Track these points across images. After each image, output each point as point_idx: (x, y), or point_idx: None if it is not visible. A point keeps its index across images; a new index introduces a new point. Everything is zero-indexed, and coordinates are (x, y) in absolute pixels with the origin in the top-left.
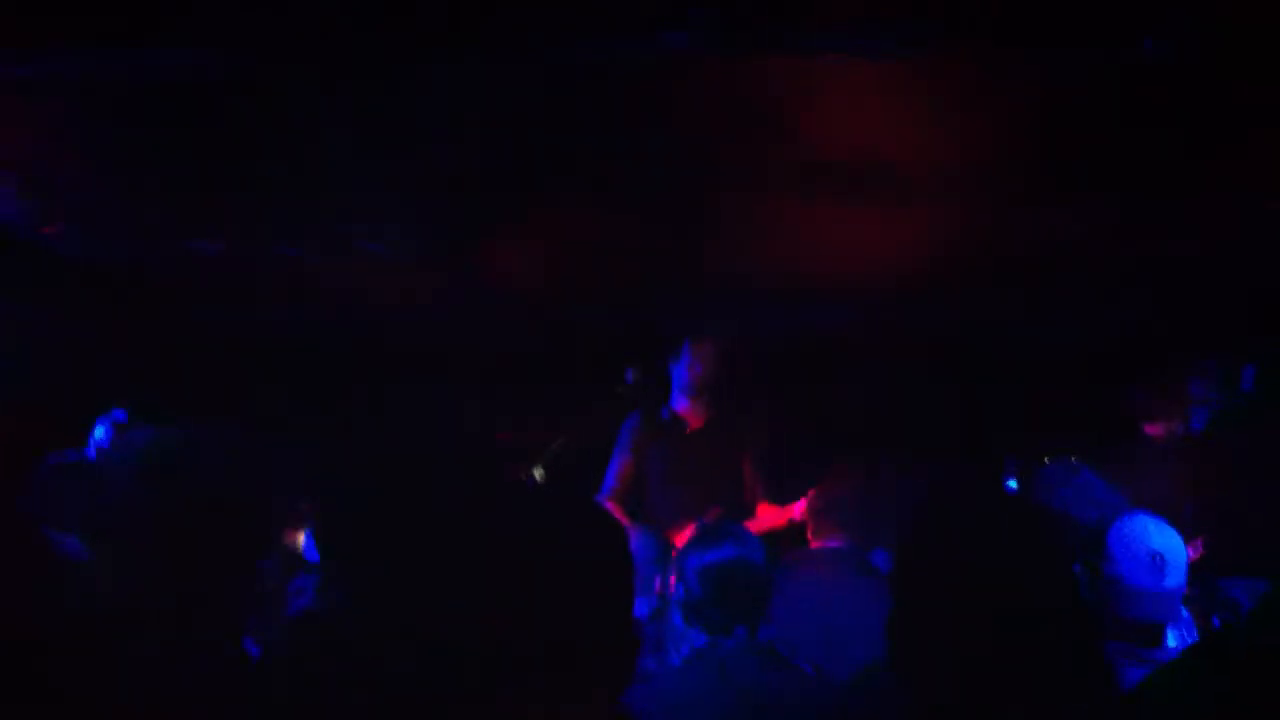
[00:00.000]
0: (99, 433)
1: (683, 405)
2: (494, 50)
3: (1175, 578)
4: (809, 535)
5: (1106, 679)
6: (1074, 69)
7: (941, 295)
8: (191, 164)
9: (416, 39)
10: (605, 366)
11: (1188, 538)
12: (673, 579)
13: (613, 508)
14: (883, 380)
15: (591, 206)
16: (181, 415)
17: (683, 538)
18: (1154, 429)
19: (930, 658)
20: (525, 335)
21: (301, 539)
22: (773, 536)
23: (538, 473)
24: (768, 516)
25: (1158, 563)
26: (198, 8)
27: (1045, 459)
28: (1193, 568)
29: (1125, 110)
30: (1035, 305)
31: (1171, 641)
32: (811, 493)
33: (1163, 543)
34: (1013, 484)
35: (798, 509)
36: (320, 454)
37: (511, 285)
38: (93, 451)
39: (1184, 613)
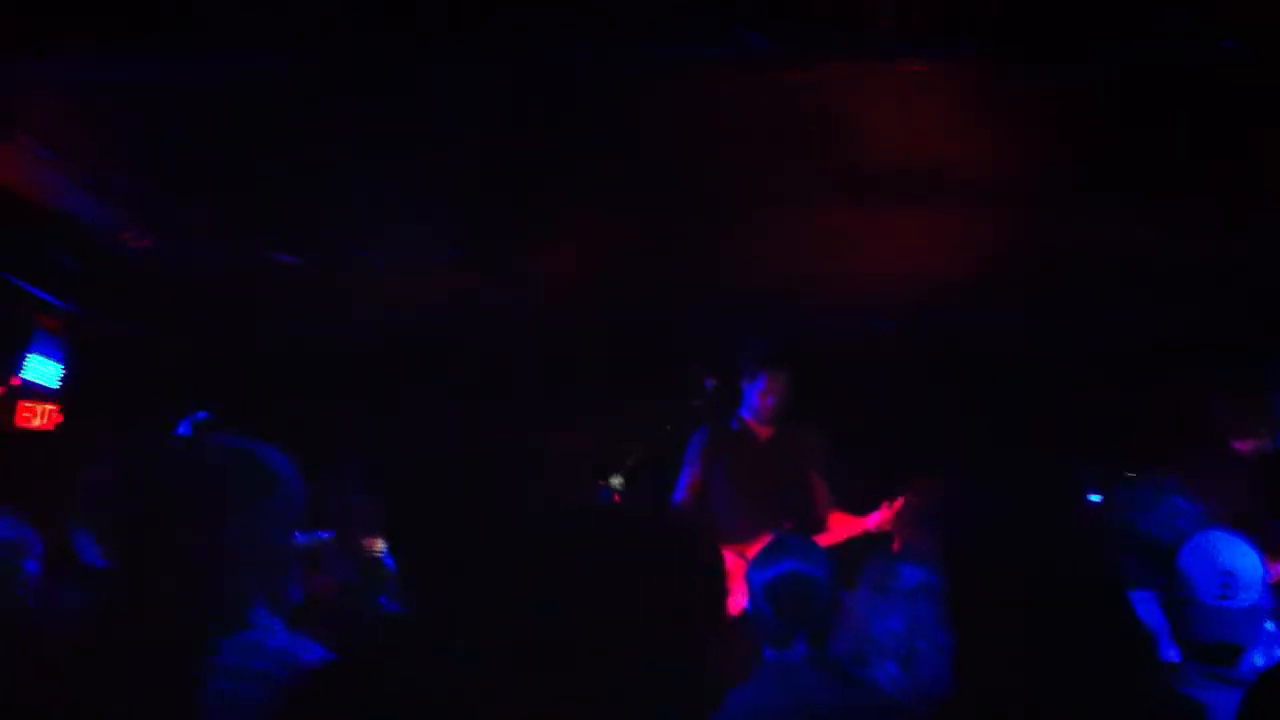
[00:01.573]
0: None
1: (751, 419)
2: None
3: (1248, 596)
4: (894, 547)
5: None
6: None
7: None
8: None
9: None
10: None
11: (1275, 555)
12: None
13: None
14: (933, 386)
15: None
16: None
17: (755, 552)
18: (1241, 444)
19: (981, 664)
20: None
21: (379, 544)
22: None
23: (616, 481)
24: (840, 528)
25: (1227, 581)
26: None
27: (1130, 475)
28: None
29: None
30: (1084, 309)
31: (1258, 660)
32: (897, 504)
33: (1234, 561)
34: (1095, 498)
35: (871, 520)
36: (385, 460)
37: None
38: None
39: (1267, 632)
